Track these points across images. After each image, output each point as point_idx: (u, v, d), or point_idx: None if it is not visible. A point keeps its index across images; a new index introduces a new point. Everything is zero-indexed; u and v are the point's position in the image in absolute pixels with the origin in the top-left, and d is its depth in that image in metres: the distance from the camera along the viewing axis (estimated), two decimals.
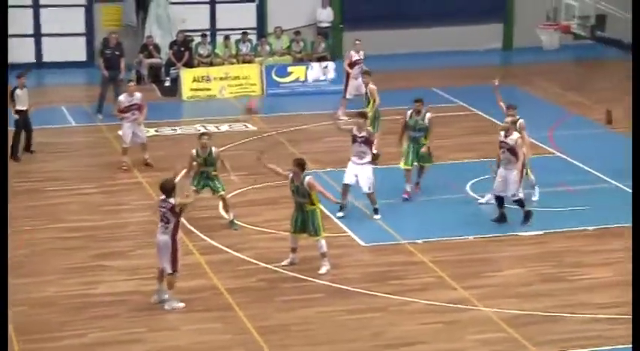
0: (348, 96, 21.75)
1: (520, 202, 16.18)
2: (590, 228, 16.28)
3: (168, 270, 13.40)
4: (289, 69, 24.50)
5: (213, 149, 16.28)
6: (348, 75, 22.01)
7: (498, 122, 21.66)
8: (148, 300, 13.70)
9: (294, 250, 14.78)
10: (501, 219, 16.27)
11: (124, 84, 20.37)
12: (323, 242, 14.61)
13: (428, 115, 17.16)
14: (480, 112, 22.52)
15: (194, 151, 16.17)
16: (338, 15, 27.17)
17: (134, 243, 15.65)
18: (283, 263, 14.73)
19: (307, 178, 14.41)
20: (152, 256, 14.86)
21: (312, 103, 23.21)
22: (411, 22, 27.50)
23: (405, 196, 17.15)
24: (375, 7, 27.30)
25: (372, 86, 19.20)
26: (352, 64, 22.00)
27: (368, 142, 16.29)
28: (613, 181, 18.17)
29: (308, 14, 27.02)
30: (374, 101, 19.20)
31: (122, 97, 19.00)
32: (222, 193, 16.23)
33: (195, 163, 16.18)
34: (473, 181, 18.15)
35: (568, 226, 16.22)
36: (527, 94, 23.81)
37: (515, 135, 16.02)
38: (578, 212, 16.81)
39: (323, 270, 14.59)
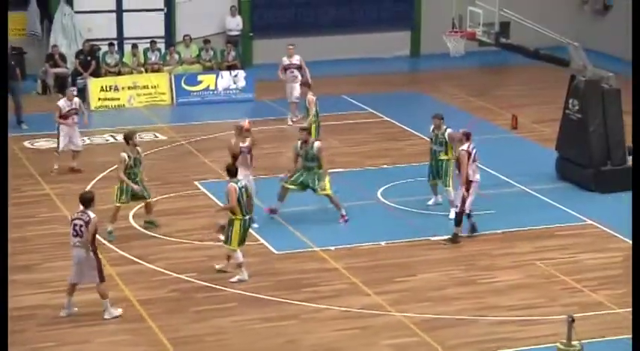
0: (294, 100, 22.09)
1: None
2: (499, 231, 16.51)
3: (97, 280, 13.19)
4: (199, 78, 24.32)
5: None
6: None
7: (408, 129, 21.90)
8: (57, 314, 13.42)
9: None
10: (472, 230, 16.12)
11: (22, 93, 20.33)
12: (238, 253, 14.50)
13: (448, 130, 16.90)
14: (389, 119, 22.68)
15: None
16: (247, 23, 27.11)
17: (41, 256, 15.33)
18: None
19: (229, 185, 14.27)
20: (60, 268, 14.60)
21: (222, 112, 23.09)
22: (320, 30, 27.58)
23: (432, 202, 17.04)
24: (284, 15, 27.32)
25: (310, 97, 19.32)
26: (285, 69, 22.12)
27: (251, 152, 16.12)
28: (519, 185, 18.46)
29: (217, 23, 26.88)
30: (315, 112, 19.37)
31: (62, 102, 19.08)
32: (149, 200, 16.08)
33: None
34: (384, 187, 18.25)
35: (478, 229, 16.41)
36: (434, 100, 24.06)
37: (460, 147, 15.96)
38: (487, 216, 17.03)
39: (235, 278, 14.49)
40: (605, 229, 16.62)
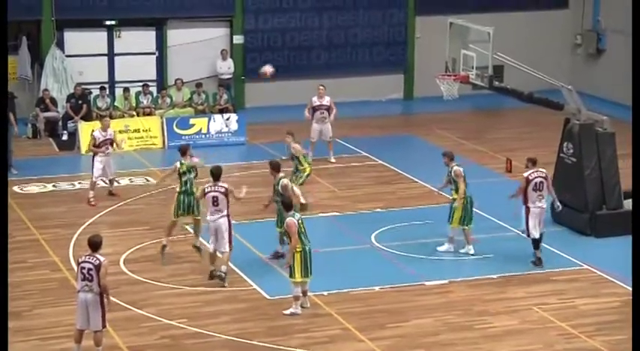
0: (328, 139, 22.55)
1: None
2: (494, 276, 16.44)
3: (100, 327, 13.04)
4: (191, 121, 24.34)
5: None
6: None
7: (402, 172, 21.92)
8: None
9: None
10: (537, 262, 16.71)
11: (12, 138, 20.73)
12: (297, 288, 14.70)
13: (455, 168, 17.11)
14: (383, 162, 22.69)
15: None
16: (239, 66, 27.20)
17: (31, 302, 15.19)
18: None
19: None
20: (50, 315, 14.46)
21: (214, 156, 23.06)
22: (314, 73, 27.68)
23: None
24: (277, 57, 27.43)
25: (294, 145, 19.20)
26: (314, 110, 22.34)
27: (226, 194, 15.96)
28: (514, 229, 18.43)
29: (209, 66, 26.98)
30: (302, 157, 19.37)
31: (97, 133, 19.80)
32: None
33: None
34: (378, 231, 18.20)
35: (473, 274, 16.35)
36: (427, 143, 24.12)
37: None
38: (482, 260, 16.97)
39: (288, 311, 14.73)
40: (601, 274, 16.56)
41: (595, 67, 29.01)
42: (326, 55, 27.84)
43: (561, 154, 18.82)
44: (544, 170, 17.07)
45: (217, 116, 24.56)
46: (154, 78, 26.51)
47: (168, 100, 25.46)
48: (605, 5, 28.55)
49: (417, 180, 21.38)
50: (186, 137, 24.13)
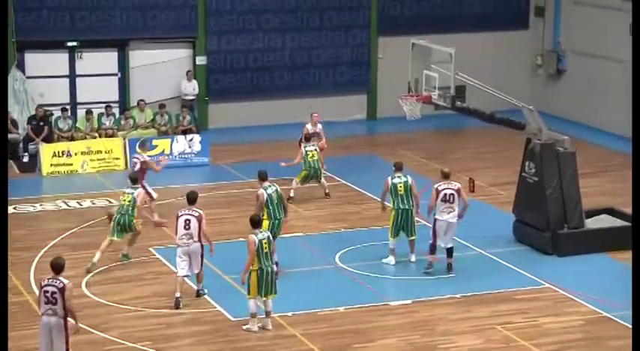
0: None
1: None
2: (457, 295, 16.50)
3: None
4: (154, 142, 24.26)
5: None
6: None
7: (365, 192, 21.95)
8: None
9: None
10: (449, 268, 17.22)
11: None
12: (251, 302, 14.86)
13: (386, 180, 17.76)
14: (347, 183, 22.72)
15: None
16: (202, 87, 27.18)
17: None
18: None
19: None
20: (11, 340, 14.26)
21: (177, 177, 23.02)
22: (277, 94, 27.73)
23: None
24: (240, 79, 27.44)
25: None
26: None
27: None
28: (477, 249, 18.51)
29: (172, 87, 26.93)
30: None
31: (145, 156, 20.16)
32: None
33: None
34: (342, 251, 18.21)
35: (436, 294, 16.40)
36: (390, 164, 24.14)
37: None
38: (445, 280, 17.02)
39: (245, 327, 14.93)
40: (563, 292, 16.67)
41: (555, 88, 29.30)
42: (289, 75, 27.90)
43: (523, 174, 18.95)
44: (457, 184, 17.25)
45: (180, 137, 24.50)
46: (117, 99, 26.42)
47: (131, 121, 25.38)
48: (565, 26, 28.88)
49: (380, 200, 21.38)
50: (150, 158, 24.00)
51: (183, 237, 15.76)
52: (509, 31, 29.44)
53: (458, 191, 17.16)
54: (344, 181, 22.89)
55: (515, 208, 19.11)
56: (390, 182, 17.56)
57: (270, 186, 16.95)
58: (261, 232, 14.93)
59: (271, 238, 15.19)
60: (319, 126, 22.40)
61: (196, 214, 15.87)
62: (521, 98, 19.86)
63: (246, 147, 25.70)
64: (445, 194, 17.11)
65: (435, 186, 17.24)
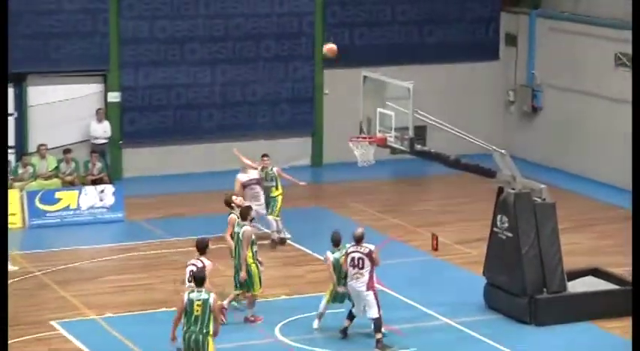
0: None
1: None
2: None
3: None
4: (57, 195, 24.06)
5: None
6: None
7: (310, 252, 21.95)
8: None
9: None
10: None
11: None
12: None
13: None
14: (290, 241, 22.70)
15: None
16: (116, 129, 27.08)
17: None
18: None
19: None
20: None
21: (86, 236, 22.82)
22: (204, 137, 27.74)
23: None
24: (161, 119, 27.40)
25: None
26: (244, 186, 21.93)
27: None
28: (442, 317, 18.55)
29: (79, 129, 26.76)
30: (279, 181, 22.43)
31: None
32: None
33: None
34: (283, 322, 18.15)
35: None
36: (340, 218, 24.23)
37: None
38: None
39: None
40: None
41: (530, 128, 29.64)
42: (219, 114, 27.94)
43: (495, 229, 19.07)
44: (369, 246, 17.33)
45: (90, 188, 24.34)
46: (12, 144, 26.18)
47: (30, 169, 25.17)
48: (541, 57, 29.26)
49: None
50: (52, 214, 23.85)
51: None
52: (477, 63, 29.81)
53: (369, 255, 17.21)
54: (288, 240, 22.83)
55: (486, 270, 19.19)
56: (331, 258, 17.72)
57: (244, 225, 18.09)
58: (197, 290, 14.85)
59: (209, 302, 14.76)
60: (254, 173, 22.26)
61: (200, 265, 16.16)
62: (491, 140, 20.05)
63: (167, 199, 25.59)
64: (353, 258, 17.25)
65: (345, 249, 17.51)
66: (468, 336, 17.95)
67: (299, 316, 18.43)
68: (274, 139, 28.28)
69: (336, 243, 17.84)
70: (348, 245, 17.44)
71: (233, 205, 19.05)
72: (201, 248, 16.50)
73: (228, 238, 18.47)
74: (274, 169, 22.54)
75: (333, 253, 17.69)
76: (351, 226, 21.09)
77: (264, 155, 22.79)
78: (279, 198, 22.42)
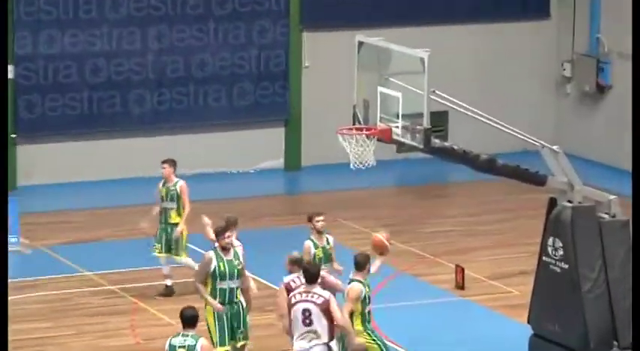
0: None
1: None
2: None
3: None
4: None
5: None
6: None
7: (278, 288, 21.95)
8: None
9: None
10: None
11: None
12: None
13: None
14: (257, 277, 22.65)
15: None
16: (9, 117, 26.96)
17: None
18: None
19: None
20: None
21: None
22: (132, 128, 27.82)
23: None
24: (70, 102, 27.41)
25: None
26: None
27: None
28: None
29: None
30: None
31: None
32: None
33: None
34: None
35: None
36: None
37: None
38: None
39: None
40: None
41: (594, 114, 29.67)
42: (153, 97, 27.91)
43: (545, 258, 19.06)
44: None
45: None
46: None
47: None
48: (609, 16, 29.27)
49: None
50: None
51: None
52: (519, 23, 29.86)
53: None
54: (251, 274, 22.75)
55: (533, 315, 19.19)
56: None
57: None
58: (182, 334, 15.08)
59: (196, 349, 14.96)
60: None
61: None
62: (538, 133, 20.07)
63: (79, 218, 25.55)
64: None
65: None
66: None
67: None
68: (232, 131, 28.27)
69: (361, 265, 17.53)
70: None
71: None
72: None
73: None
74: None
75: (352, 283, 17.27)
76: (341, 253, 21.08)
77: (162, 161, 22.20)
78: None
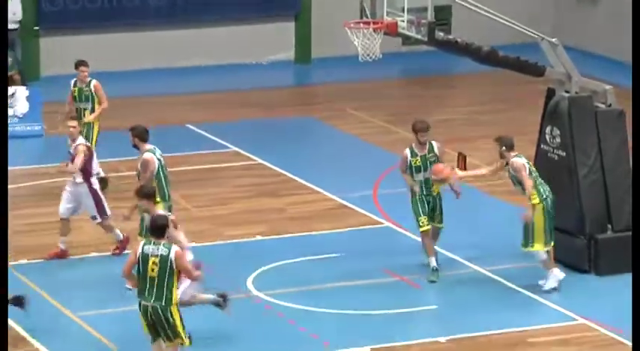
0: None
1: None
2: (441, 340, 16.66)
3: None
4: None
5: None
6: None
7: (294, 177, 22.05)
8: None
9: None
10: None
11: None
12: None
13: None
14: (264, 162, 22.77)
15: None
16: (31, 10, 27.13)
17: None
18: None
19: None
20: None
21: None
22: (147, 21, 27.76)
23: None
24: None
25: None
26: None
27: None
28: (471, 265, 18.72)
29: None
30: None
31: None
32: None
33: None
34: (257, 272, 18.31)
35: (407, 338, 16.63)
36: (334, 131, 24.29)
37: None
38: (421, 314, 17.23)
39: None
40: (605, 331, 16.90)
41: (594, 7, 29.58)
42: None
43: (543, 146, 19.14)
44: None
45: None
46: None
47: None
48: None
49: (318, 189, 21.51)
50: None
51: None
52: None
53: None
54: (261, 160, 22.91)
55: None
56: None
57: (156, 149, 17.63)
58: (154, 243, 14.26)
59: (172, 259, 14.17)
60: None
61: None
62: (537, 26, 20.07)
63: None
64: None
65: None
66: (506, 289, 18.14)
67: (279, 264, 18.58)
68: (244, 25, 28.26)
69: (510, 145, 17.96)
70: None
71: None
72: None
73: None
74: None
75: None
76: (347, 141, 21.25)
77: (80, 63, 21.86)
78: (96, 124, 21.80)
